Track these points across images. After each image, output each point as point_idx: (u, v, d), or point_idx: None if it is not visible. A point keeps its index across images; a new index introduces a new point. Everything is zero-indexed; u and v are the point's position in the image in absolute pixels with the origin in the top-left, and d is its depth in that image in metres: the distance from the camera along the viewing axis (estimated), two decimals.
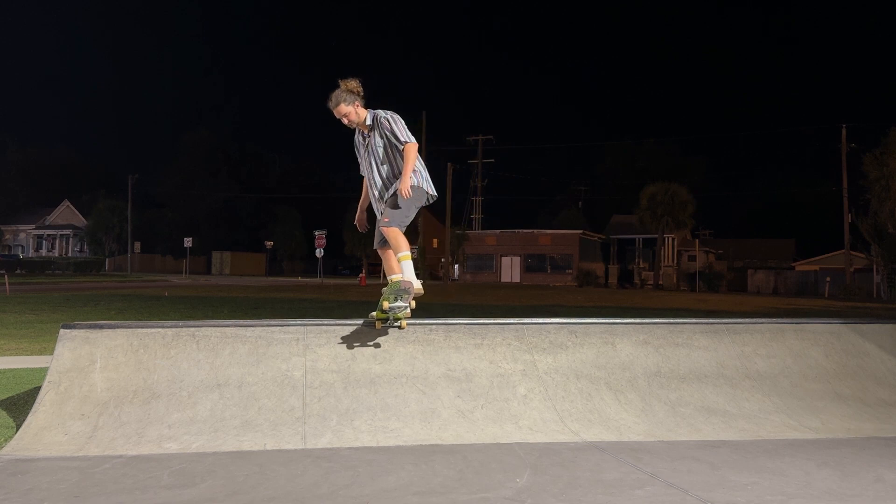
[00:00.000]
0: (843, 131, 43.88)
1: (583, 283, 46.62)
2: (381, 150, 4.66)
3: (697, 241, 55.93)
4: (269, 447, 3.85)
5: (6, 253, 62.55)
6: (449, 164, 46.75)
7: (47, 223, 68.73)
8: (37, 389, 4.38)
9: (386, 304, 4.52)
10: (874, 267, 40.34)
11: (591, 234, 55.40)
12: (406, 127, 4.66)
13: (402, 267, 4.50)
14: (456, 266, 55.69)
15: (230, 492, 3.17)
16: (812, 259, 54.95)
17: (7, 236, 66.66)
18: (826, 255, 52.80)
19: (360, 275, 44.54)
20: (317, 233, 40.78)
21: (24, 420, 4.04)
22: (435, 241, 67.27)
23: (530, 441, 4.09)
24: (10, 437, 3.91)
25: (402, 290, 4.48)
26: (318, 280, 42.76)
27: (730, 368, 5.04)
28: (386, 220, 4.57)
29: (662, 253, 50.40)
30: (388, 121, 4.62)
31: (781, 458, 3.80)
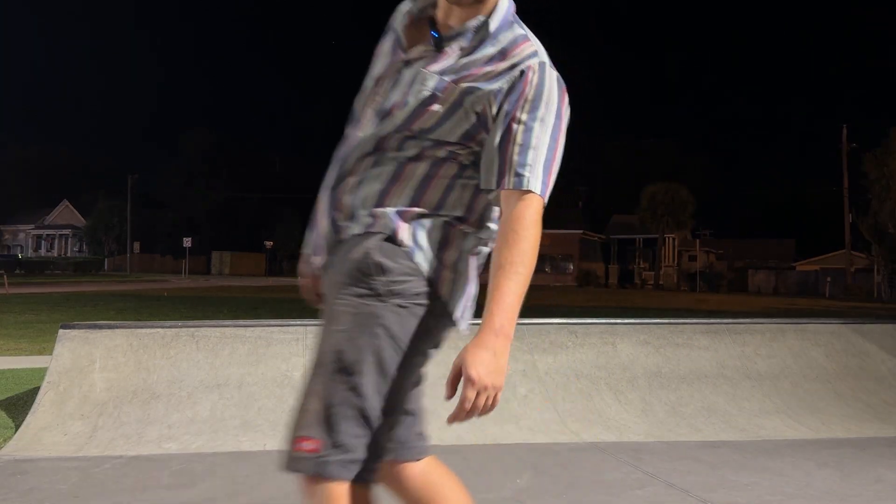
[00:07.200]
0: (844, 131, 43.78)
1: (583, 283, 46.62)
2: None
3: (698, 241, 55.89)
4: (268, 447, 3.85)
5: (5, 253, 62.58)
6: None
7: (46, 223, 68.78)
8: (36, 390, 4.38)
9: None
10: (875, 267, 40.43)
11: (592, 234, 55.29)
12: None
13: None
14: None
15: (230, 492, 3.17)
16: (812, 259, 54.92)
17: (6, 236, 66.75)
18: (826, 255, 52.74)
19: None
20: None
21: (23, 420, 4.04)
22: None
23: (531, 441, 4.09)
24: (10, 438, 3.91)
25: None
26: None
27: (730, 368, 5.04)
28: None
29: (663, 253, 50.37)
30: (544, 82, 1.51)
31: (782, 458, 3.80)
